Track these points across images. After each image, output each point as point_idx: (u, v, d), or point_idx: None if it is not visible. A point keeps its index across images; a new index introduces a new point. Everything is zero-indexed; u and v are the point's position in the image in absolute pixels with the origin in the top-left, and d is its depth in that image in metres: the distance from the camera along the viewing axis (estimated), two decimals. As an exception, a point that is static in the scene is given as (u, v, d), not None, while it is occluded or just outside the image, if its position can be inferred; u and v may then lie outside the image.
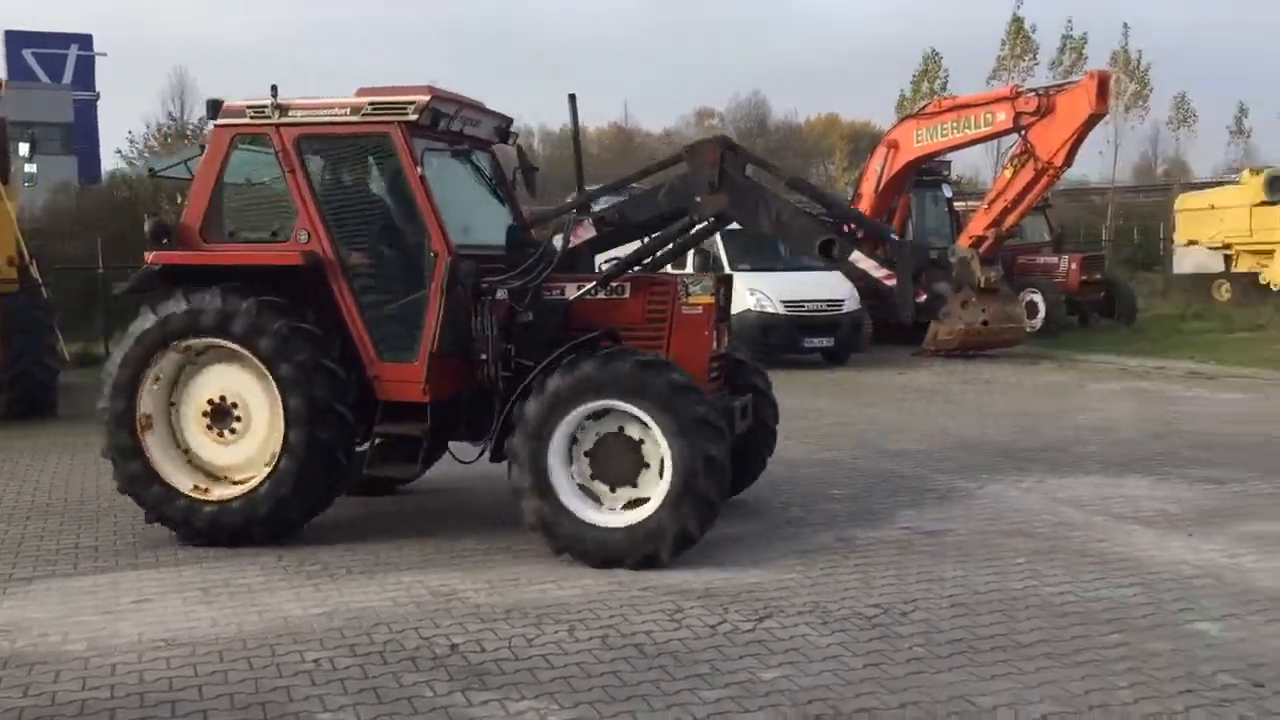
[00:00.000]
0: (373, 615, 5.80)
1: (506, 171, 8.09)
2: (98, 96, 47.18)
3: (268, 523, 7.03)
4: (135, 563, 6.86)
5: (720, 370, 7.51)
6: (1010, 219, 19.20)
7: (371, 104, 6.99)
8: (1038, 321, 20.99)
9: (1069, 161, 18.46)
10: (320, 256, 7.03)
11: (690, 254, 13.67)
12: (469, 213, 7.73)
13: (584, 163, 8.19)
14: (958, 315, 7.35)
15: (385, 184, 7.57)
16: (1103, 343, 19.90)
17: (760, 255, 17.00)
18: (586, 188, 8.10)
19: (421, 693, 4.79)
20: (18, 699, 4.78)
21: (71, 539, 7.48)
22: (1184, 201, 29.56)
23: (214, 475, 7.21)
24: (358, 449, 7.35)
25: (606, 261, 7.75)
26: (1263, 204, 26.51)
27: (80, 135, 42.36)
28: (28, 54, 45.63)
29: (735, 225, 7.70)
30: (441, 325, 6.91)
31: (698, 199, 7.20)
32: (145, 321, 7.10)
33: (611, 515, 6.58)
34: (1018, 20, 35.85)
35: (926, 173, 21.69)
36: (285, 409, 6.89)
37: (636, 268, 7.51)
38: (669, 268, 8.30)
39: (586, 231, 7.58)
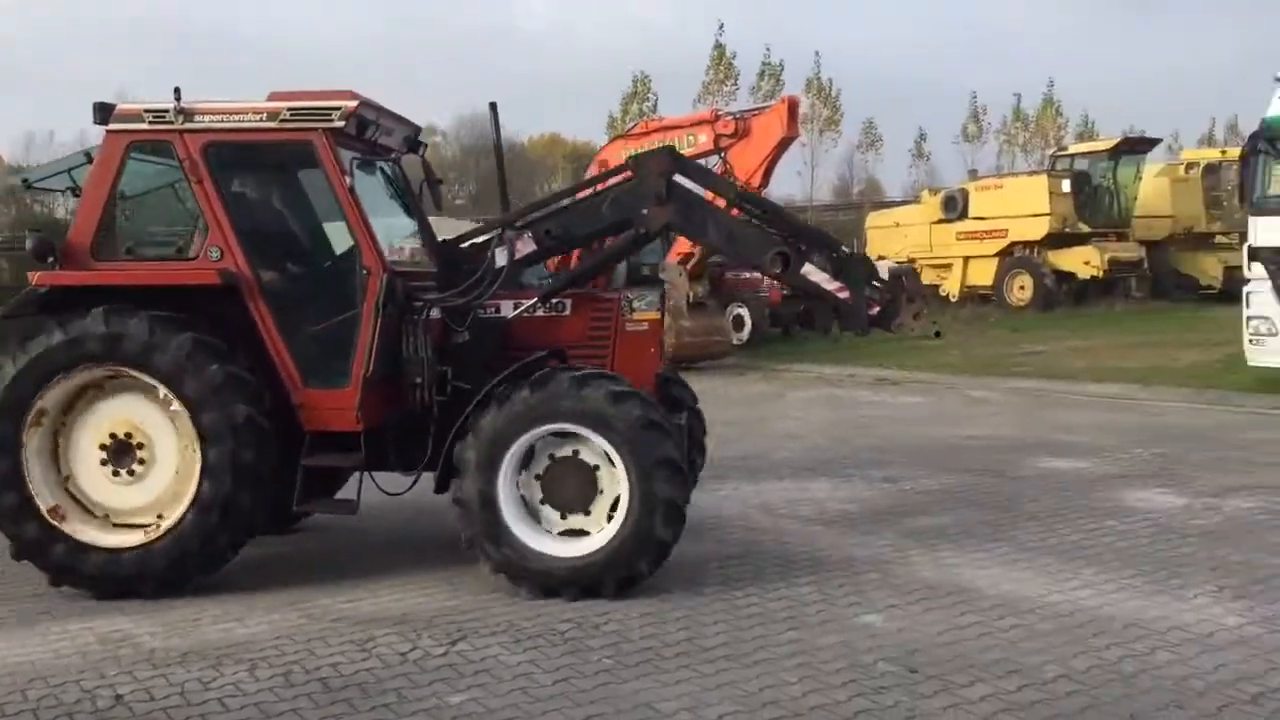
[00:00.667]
0: (29, 669, 5.34)
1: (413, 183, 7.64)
2: None
3: (163, 577, 6.39)
4: None
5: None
6: (716, 236, 19.94)
7: (291, 109, 6.51)
8: (744, 334, 21.97)
9: (765, 182, 19.38)
10: (237, 275, 6.47)
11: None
12: (384, 227, 7.20)
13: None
14: (911, 327, 7.21)
15: (307, 196, 7.16)
16: (803, 353, 21.09)
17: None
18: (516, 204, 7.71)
19: (78, 750, 4.45)
20: None
21: None
22: (873, 219, 31.81)
23: (91, 514, 6.52)
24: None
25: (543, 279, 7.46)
26: (940, 221, 28.91)
27: None
28: None
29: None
30: (376, 347, 6.46)
31: (644, 211, 6.82)
32: (32, 348, 6.36)
33: (557, 543, 6.34)
34: (720, 47, 37.51)
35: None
36: (203, 460, 6.28)
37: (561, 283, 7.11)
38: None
39: (526, 246, 7.13)
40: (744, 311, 22.31)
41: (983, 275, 28.17)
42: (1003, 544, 7.27)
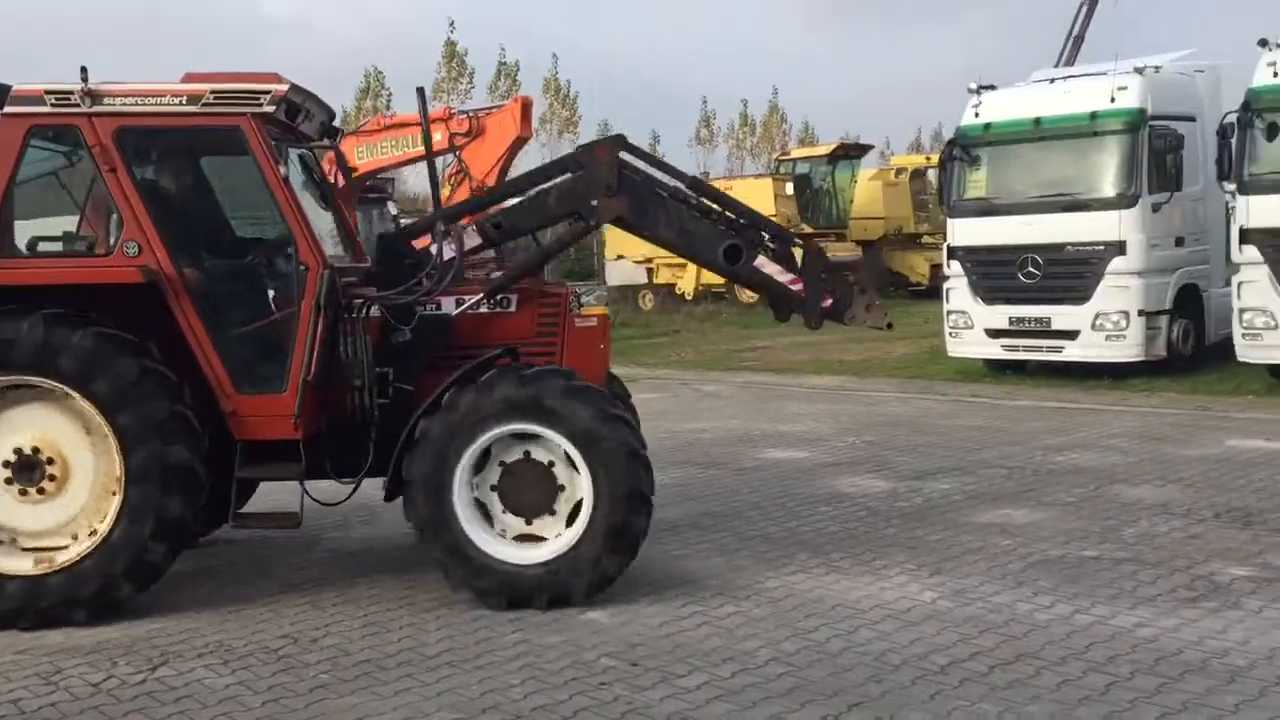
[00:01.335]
0: None
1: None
2: None
3: (94, 601, 5.84)
4: None
5: None
6: (450, 236, 19.71)
7: (215, 92, 6.00)
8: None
9: (500, 182, 19.32)
10: (158, 273, 5.89)
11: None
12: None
13: None
14: (863, 319, 7.01)
15: (233, 186, 6.74)
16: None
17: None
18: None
19: None
20: None
21: None
22: (611, 220, 32.22)
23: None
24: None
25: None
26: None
27: None
28: None
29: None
30: (314, 349, 6.00)
31: (594, 202, 6.50)
32: None
33: (521, 549, 6.02)
34: (452, 44, 37.10)
35: (371, 190, 21.75)
36: (126, 466, 5.76)
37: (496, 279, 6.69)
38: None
39: (470, 239, 6.70)
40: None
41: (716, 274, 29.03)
42: (725, 534, 7.50)
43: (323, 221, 7.07)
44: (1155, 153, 13.68)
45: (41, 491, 5.94)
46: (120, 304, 5.93)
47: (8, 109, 6.01)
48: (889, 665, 5.07)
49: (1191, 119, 14.36)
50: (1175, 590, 5.96)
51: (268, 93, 6.06)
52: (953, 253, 14.93)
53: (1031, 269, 14.10)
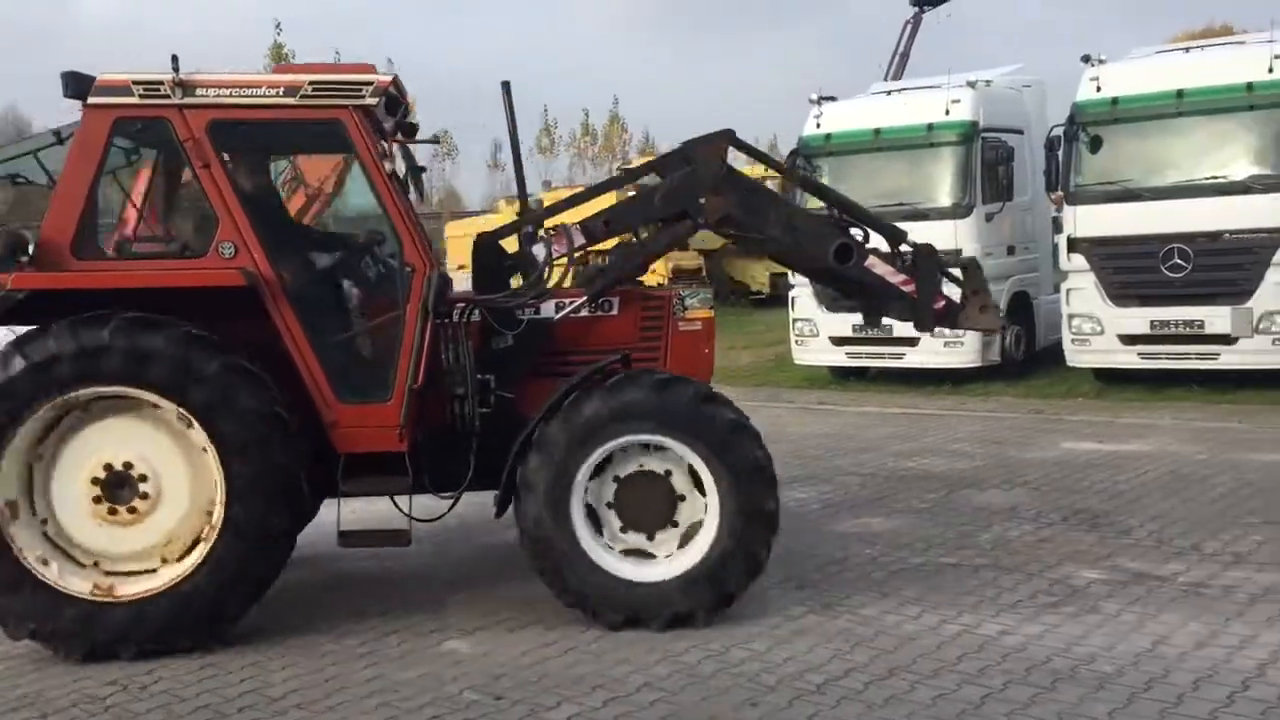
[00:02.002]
0: None
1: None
2: None
3: (202, 622, 5.47)
4: None
5: None
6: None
7: (315, 83, 5.64)
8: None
9: (338, 189, 18.67)
10: (258, 275, 5.50)
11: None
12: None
13: None
14: (976, 321, 6.62)
15: (333, 183, 6.46)
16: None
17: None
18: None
19: None
20: None
21: None
22: (452, 229, 31.70)
23: (77, 562, 5.51)
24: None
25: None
26: (517, 231, 29.24)
27: None
28: None
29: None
30: (421, 355, 5.66)
31: (701, 200, 6.14)
32: (4, 367, 5.31)
33: (638, 566, 5.70)
34: (278, 46, 35.87)
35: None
36: (227, 478, 5.39)
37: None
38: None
39: (577, 238, 6.23)
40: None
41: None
42: (585, 552, 7.26)
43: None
44: (987, 164, 14.11)
45: (133, 511, 5.51)
46: (205, 309, 5.55)
47: (92, 100, 5.60)
48: (764, 686, 4.93)
49: (1020, 131, 14.89)
50: (1035, 595, 6.03)
51: (370, 84, 5.72)
52: (797, 262, 15.07)
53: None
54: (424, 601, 6.32)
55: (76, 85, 5.64)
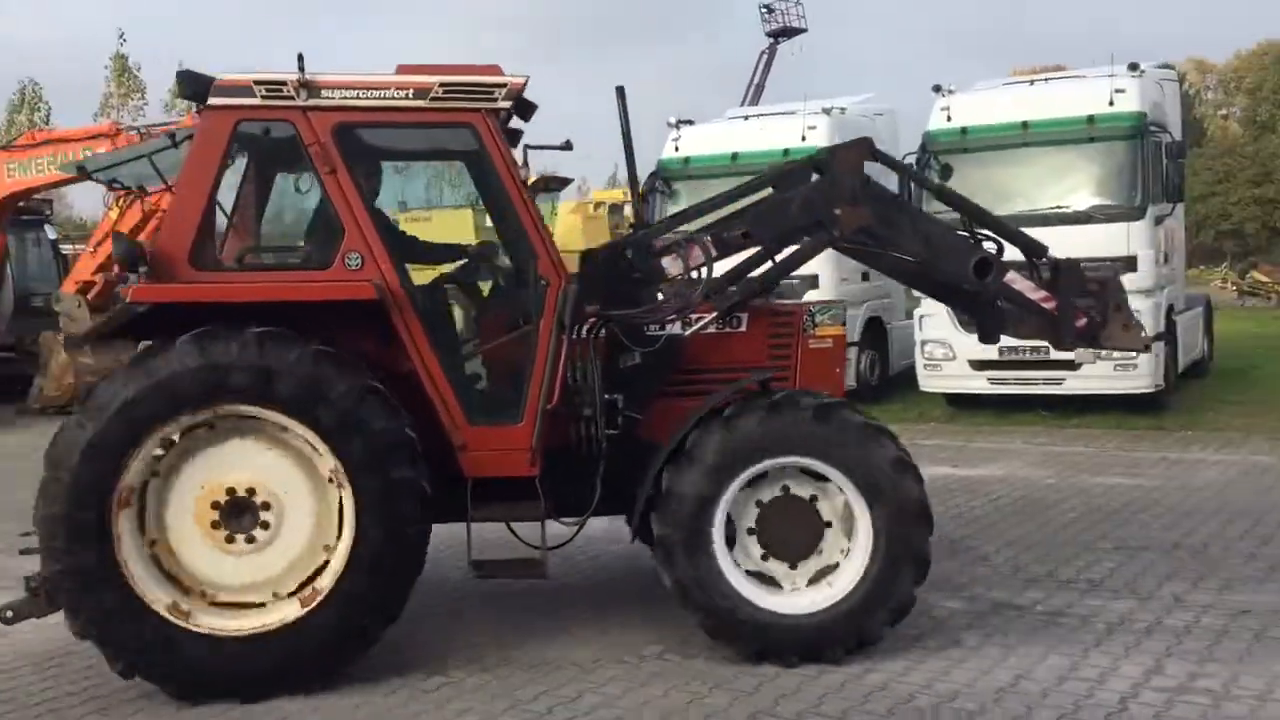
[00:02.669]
0: None
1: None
2: None
3: (320, 659, 5.12)
4: None
5: None
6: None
7: (446, 85, 5.38)
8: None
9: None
10: (387, 288, 5.22)
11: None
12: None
13: None
14: (1120, 340, 6.14)
15: (462, 190, 5.59)
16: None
17: None
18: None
19: None
20: None
21: None
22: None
23: (189, 593, 5.16)
24: None
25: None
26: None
27: None
28: None
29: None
30: (556, 373, 5.41)
31: (836, 211, 5.76)
32: (125, 384, 4.98)
33: (781, 596, 5.41)
34: (121, 57, 34.45)
35: (25, 211, 19.56)
36: (358, 504, 5.06)
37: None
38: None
39: (708, 250, 5.80)
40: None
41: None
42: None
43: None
44: (843, 190, 14.23)
45: (251, 540, 5.15)
46: (320, 323, 5.21)
47: (213, 100, 5.32)
48: (620, 736, 4.65)
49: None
50: (896, 628, 5.88)
51: (503, 85, 5.46)
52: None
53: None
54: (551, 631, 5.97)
55: (194, 86, 5.36)
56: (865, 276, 14.71)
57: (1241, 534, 7.60)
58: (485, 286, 6.25)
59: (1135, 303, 12.16)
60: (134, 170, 6.18)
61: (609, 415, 5.68)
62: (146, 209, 17.16)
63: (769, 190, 6.11)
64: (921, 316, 13.46)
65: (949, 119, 13.33)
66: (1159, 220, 12.60)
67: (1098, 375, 12.18)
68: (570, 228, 30.59)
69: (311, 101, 5.33)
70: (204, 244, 5.35)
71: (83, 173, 6.72)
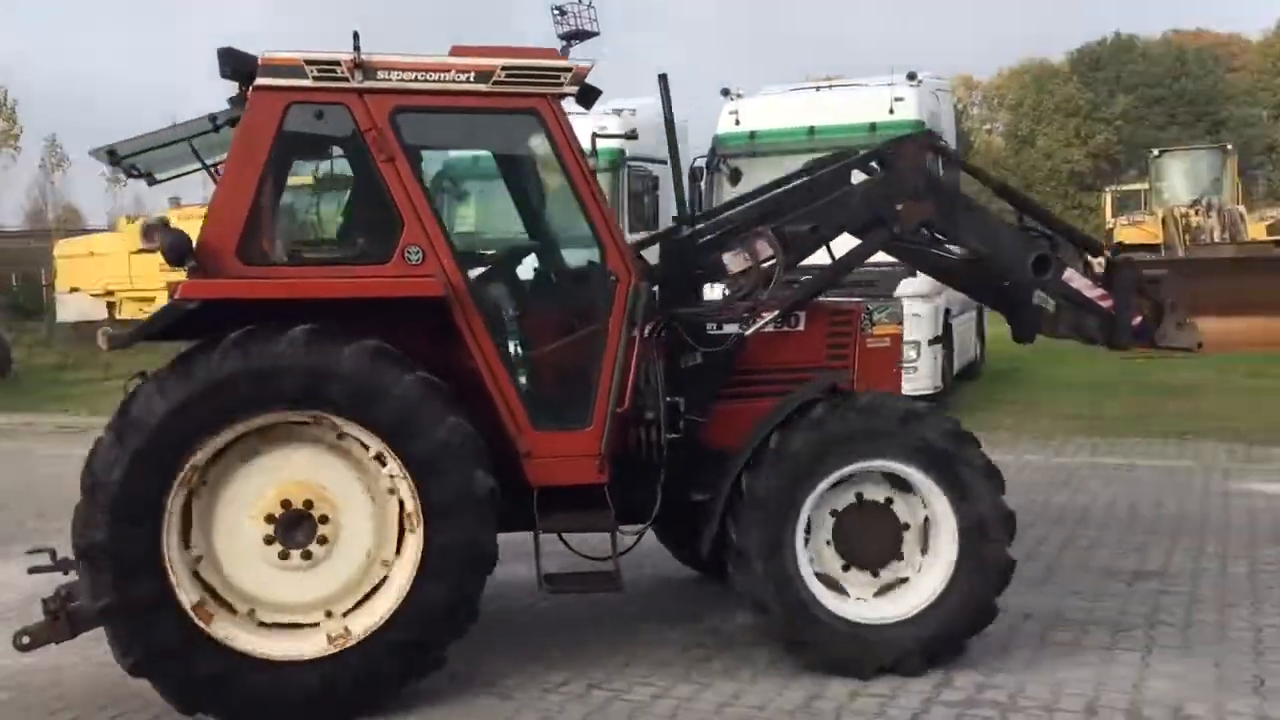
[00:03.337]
0: None
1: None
2: None
3: (368, 687, 4.75)
4: None
5: None
6: None
7: (507, 69, 5.08)
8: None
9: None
10: (449, 283, 4.91)
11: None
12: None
13: None
14: (1174, 339, 6.00)
15: (526, 179, 6.01)
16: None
17: None
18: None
19: None
20: None
21: None
22: (63, 248, 28.64)
23: (231, 609, 4.76)
24: None
25: None
26: (140, 251, 26.79)
27: None
28: None
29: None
30: (628, 376, 5.20)
31: (898, 207, 5.62)
32: (174, 389, 4.57)
33: (859, 605, 5.25)
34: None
35: None
36: (425, 515, 4.74)
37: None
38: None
39: (774, 247, 5.48)
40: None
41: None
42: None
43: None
44: (634, 194, 14.11)
45: (307, 556, 4.81)
46: (369, 320, 4.85)
47: (261, 80, 4.95)
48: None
49: (665, 162, 15.00)
50: (687, 650, 5.66)
51: (568, 70, 5.18)
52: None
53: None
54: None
55: (235, 64, 5.04)
56: (657, 280, 14.66)
57: (1017, 534, 7.75)
58: (547, 283, 5.98)
59: (915, 307, 12.84)
60: (163, 155, 5.56)
61: (670, 419, 5.41)
62: None
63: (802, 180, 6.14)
64: None
65: (738, 123, 13.38)
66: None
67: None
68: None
69: (367, 84, 4.99)
70: (252, 237, 4.96)
71: (114, 157, 5.72)
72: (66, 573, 5.28)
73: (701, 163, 13.44)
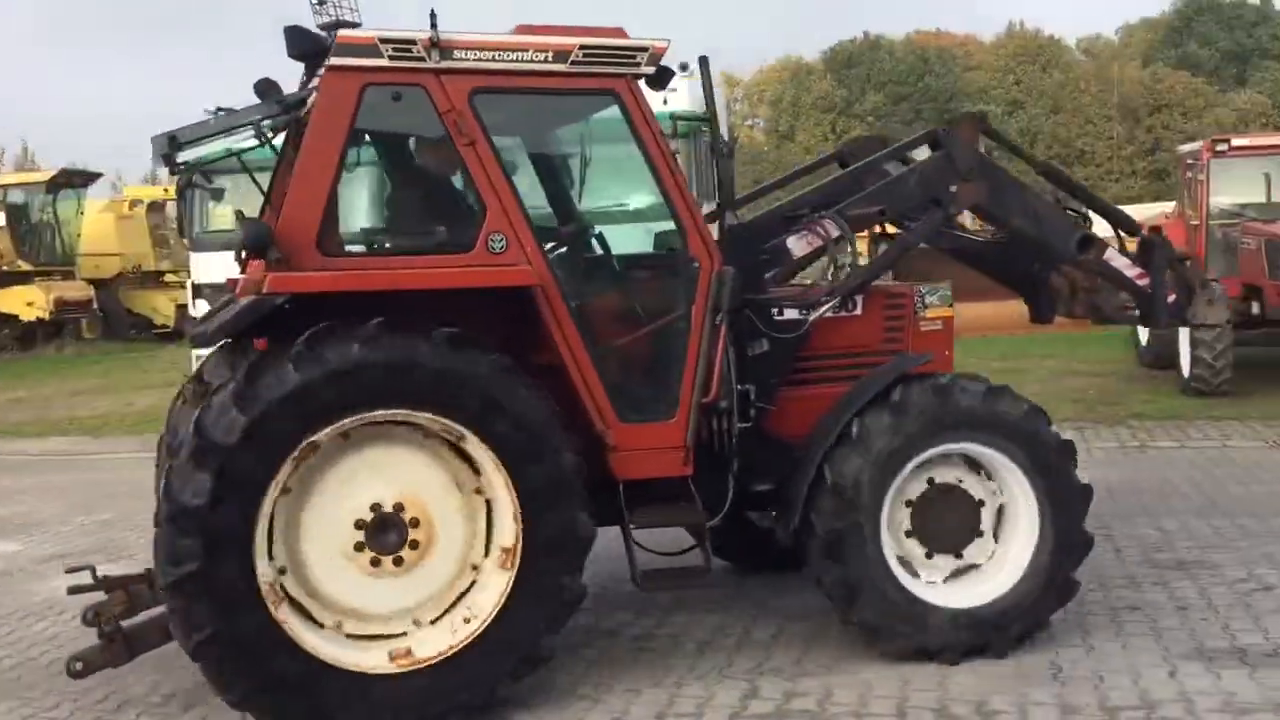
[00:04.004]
0: None
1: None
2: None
3: (477, 695, 4.59)
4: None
5: None
6: None
7: (585, 48, 4.83)
8: None
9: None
10: (535, 272, 4.77)
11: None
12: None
13: None
14: (1204, 315, 6.22)
15: (604, 163, 5.67)
16: None
17: None
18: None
19: None
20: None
21: None
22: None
23: (312, 619, 4.56)
24: None
25: None
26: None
27: None
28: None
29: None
30: (712, 364, 4.98)
31: (953, 188, 5.69)
32: (267, 389, 4.34)
33: (942, 590, 5.17)
34: None
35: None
36: (520, 493, 4.59)
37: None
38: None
39: (830, 230, 5.48)
40: None
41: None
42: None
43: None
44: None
45: (399, 562, 4.61)
46: (443, 310, 4.66)
47: (334, 60, 4.68)
48: None
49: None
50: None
51: (645, 50, 4.99)
52: (199, 290, 13.54)
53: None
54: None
55: (302, 43, 4.88)
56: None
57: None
58: (627, 270, 5.75)
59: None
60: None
61: (742, 407, 5.23)
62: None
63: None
64: None
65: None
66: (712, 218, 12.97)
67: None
68: (101, 229, 27.52)
69: (445, 64, 4.75)
70: (331, 226, 4.79)
71: (174, 144, 4.65)
72: (109, 592, 5.10)
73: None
